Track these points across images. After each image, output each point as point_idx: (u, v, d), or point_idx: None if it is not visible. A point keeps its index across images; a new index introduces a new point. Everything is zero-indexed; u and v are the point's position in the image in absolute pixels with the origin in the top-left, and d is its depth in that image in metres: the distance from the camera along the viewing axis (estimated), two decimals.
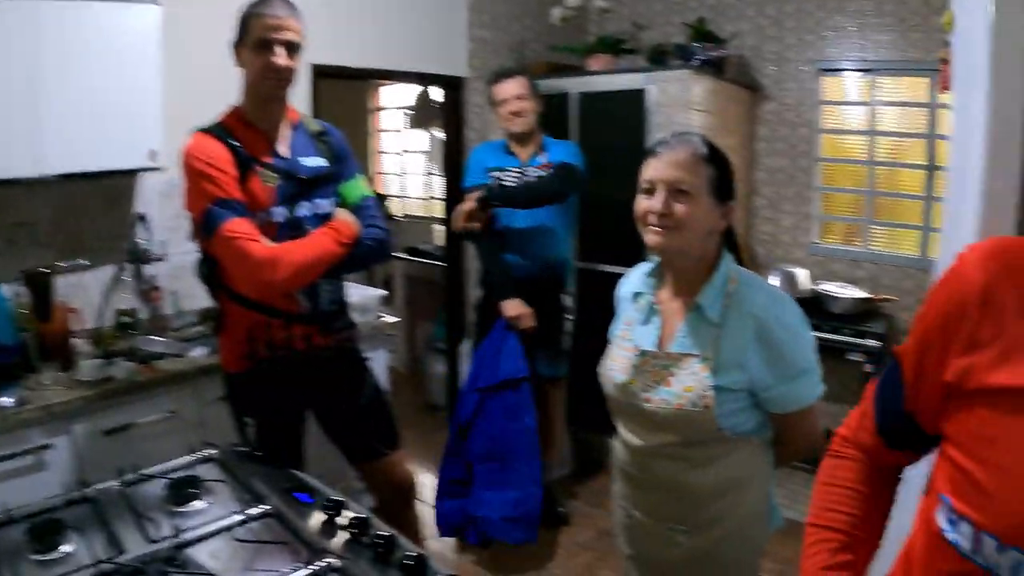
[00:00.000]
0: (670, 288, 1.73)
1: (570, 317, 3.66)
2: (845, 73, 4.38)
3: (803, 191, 4.57)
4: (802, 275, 4.36)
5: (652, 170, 1.61)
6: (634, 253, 3.92)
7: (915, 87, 4.19)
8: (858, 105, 4.40)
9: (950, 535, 0.82)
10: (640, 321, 1.77)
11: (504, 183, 3.33)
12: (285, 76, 2.11)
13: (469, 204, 3.25)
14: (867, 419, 1.12)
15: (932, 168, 4.12)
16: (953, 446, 0.87)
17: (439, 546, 3.48)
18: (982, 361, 0.83)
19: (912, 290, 4.22)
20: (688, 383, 1.60)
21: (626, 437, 1.79)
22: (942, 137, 4.02)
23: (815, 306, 4.00)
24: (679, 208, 1.56)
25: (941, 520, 0.85)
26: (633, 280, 1.88)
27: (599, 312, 4.06)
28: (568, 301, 3.63)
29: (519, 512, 3.19)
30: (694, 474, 1.68)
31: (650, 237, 1.61)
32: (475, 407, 3.24)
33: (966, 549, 0.80)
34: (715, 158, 1.62)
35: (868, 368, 3.91)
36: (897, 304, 4.24)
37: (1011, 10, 1.34)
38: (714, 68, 4.02)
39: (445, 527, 3.37)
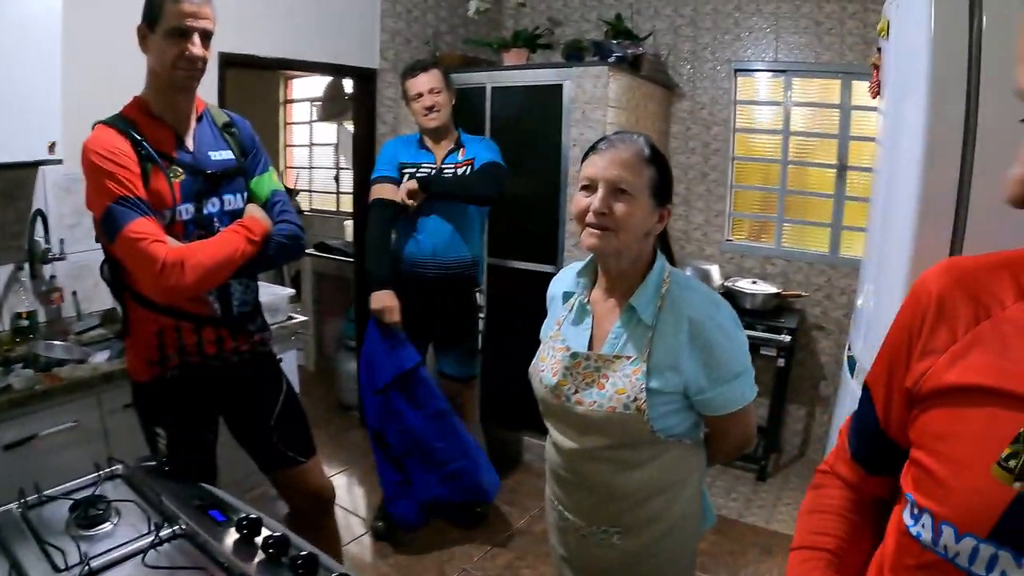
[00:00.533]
0: (603, 288, 1.70)
1: (482, 315, 3.60)
2: (760, 74, 4.47)
3: (715, 188, 4.64)
4: (714, 271, 4.43)
5: (593, 168, 1.56)
6: (546, 249, 3.98)
7: (827, 88, 4.30)
8: (772, 105, 4.48)
9: (913, 529, 0.86)
10: (572, 321, 1.73)
11: (442, 174, 3.27)
12: (200, 67, 1.98)
13: (412, 184, 3.14)
14: (843, 451, 1.15)
15: (843, 168, 4.23)
16: (916, 448, 0.90)
17: (356, 550, 3.39)
18: (937, 365, 0.88)
19: (822, 286, 4.35)
20: (621, 385, 1.57)
21: (557, 439, 1.74)
22: (855, 138, 4.18)
23: (727, 302, 4.05)
24: (619, 208, 1.52)
25: (906, 517, 0.88)
26: (564, 279, 1.83)
27: (510, 309, 4.10)
28: (480, 299, 3.58)
29: (464, 483, 3.27)
30: (626, 476, 1.65)
31: (587, 238, 1.56)
32: (381, 410, 3.17)
33: (927, 540, 0.83)
34: (657, 160, 1.59)
35: (780, 362, 4.00)
36: (808, 299, 4.36)
37: (951, 22, 1.34)
38: (630, 65, 4.02)
39: (408, 526, 3.38)
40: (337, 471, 4.15)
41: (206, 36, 1.97)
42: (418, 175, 3.22)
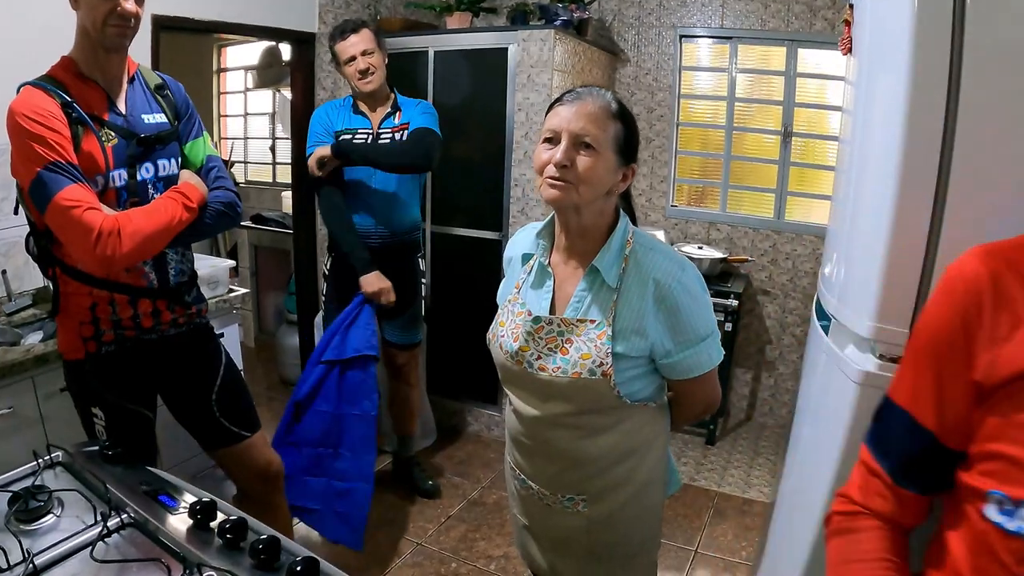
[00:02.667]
0: (563, 249, 1.64)
1: (424, 281, 3.51)
2: (705, 40, 4.45)
3: (659, 154, 4.63)
4: (660, 237, 4.40)
5: (558, 119, 1.49)
6: (491, 216, 3.92)
7: (766, 55, 4.31)
8: (718, 72, 4.46)
9: (1011, 525, 0.81)
10: (531, 284, 1.67)
11: (379, 139, 3.12)
12: (132, 24, 1.85)
13: (323, 151, 2.99)
14: (874, 479, 1.06)
15: (787, 134, 4.25)
16: (996, 441, 0.86)
17: (306, 529, 3.30)
18: (1006, 351, 0.85)
19: (767, 251, 4.38)
20: (585, 350, 1.52)
21: (518, 406, 1.69)
22: (800, 105, 4.22)
23: (693, 264, 4.07)
24: (582, 161, 1.46)
25: (993, 515, 0.84)
26: (523, 241, 1.77)
27: (454, 278, 4.04)
28: (422, 264, 3.48)
29: (344, 508, 2.89)
30: (591, 442, 1.62)
31: (547, 190, 1.49)
32: (316, 382, 2.96)
33: None
34: (624, 116, 1.53)
35: (728, 327, 4.01)
36: (753, 264, 4.39)
37: None
38: (576, 29, 3.96)
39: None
40: None
41: None
42: (355, 141, 3.10)
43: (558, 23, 3.78)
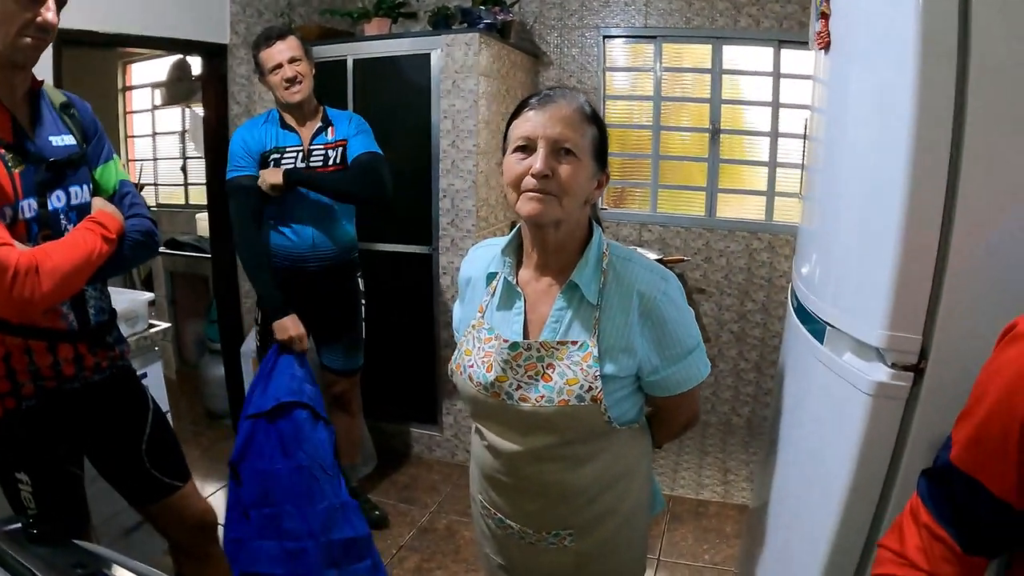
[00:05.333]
0: (533, 267, 1.50)
1: (364, 301, 3.34)
2: (628, 39, 4.41)
3: None
4: None
5: (530, 125, 1.35)
6: (419, 230, 3.78)
7: (677, 54, 4.33)
8: (643, 71, 4.43)
9: None
10: (497, 306, 1.53)
11: (311, 157, 2.97)
12: (49, 38, 1.65)
13: (274, 178, 2.83)
14: (938, 544, 0.96)
15: (715, 132, 4.26)
16: None
17: None
18: None
19: (700, 249, 4.37)
20: (571, 375, 1.40)
21: (494, 442, 1.54)
22: (728, 102, 4.23)
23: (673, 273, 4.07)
24: (564, 170, 1.34)
25: None
26: (482, 258, 1.61)
27: (383, 295, 3.87)
28: (361, 286, 3.31)
29: (300, 570, 2.59)
30: (577, 473, 1.50)
31: (527, 204, 1.35)
32: (245, 439, 2.66)
33: None
34: (596, 118, 1.42)
35: None
36: (688, 264, 4.36)
37: None
38: (500, 33, 3.86)
39: None
40: (216, 488, 3.79)
41: (61, 2, 1.65)
42: (284, 165, 2.92)
43: (481, 27, 3.67)
